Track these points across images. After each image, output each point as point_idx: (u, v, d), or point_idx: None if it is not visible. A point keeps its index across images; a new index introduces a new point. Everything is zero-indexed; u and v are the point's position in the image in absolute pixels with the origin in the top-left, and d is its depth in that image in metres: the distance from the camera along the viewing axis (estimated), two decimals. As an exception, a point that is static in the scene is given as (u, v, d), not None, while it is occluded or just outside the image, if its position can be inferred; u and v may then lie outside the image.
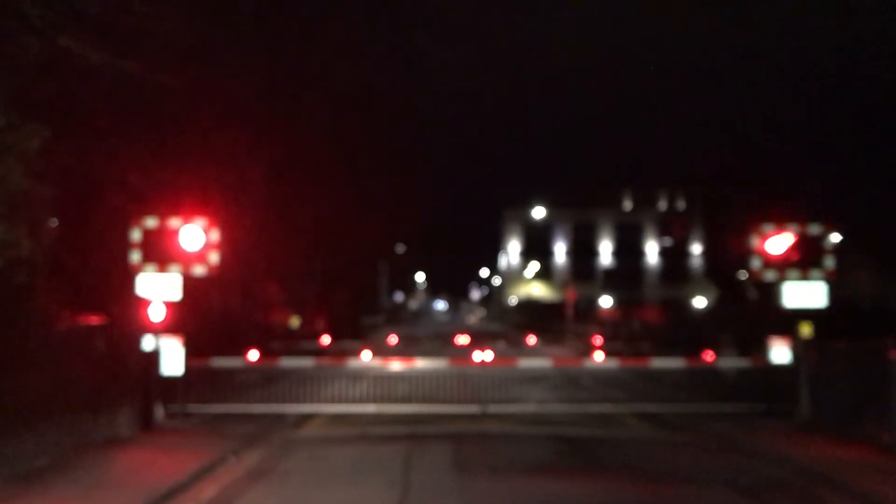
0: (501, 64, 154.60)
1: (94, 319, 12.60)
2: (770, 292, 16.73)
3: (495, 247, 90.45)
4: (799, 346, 15.73)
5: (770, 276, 15.77)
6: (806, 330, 15.60)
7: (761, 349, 16.68)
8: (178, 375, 15.40)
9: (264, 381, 18.31)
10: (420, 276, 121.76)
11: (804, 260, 15.58)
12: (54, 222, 11.69)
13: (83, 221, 15.34)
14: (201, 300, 18.98)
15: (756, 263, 15.78)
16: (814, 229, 15.70)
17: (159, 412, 14.97)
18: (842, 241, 15.90)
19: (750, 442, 13.37)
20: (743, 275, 31.39)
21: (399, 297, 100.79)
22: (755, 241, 15.72)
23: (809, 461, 11.59)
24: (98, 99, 13.41)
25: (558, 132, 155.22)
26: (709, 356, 18.96)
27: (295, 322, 31.17)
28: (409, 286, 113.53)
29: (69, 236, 12.32)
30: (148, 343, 14.68)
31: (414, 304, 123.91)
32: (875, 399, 12.71)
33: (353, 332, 41.02)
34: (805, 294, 15.65)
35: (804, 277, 15.63)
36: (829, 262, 15.69)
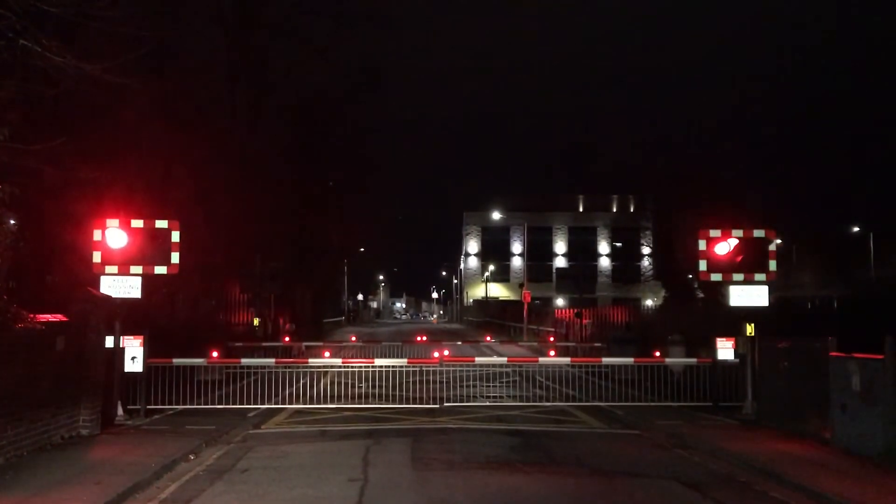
0: (467, 69, 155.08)
1: (55, 318, 12.59)
2: (716, 293, 17.35)
3: (455, 248, 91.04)
4: (743, 345, 16.35)
5: (716, 277, 16.37)
6: (749, 329, 16.22)
7: (708, 348, 17.28)
8: (139, 374, 15.49)
9: (225, 380, 18.45)
10: (380, 277, 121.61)
11: (748, 263, 16.21)
12: (12, 223, 11.66)
13: (44, 221, 15.31)
14: (163, 300, 19.00)
15: (703, 266, 16.37)
16: (757, 234, 16.36)
17: (120, 411, 15.04)
18: (785, 245, 16.56)
19: (697, 437, 13.84)
20: (692, 277, 32.23)
21: (360, 297, 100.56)
22: (702, 245, 16.32)
23: (754, 456, 12.06)
24: (60, 100, 13.44)
25: (516, 138, 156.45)
26: (658, 354, 19.57)
27: (257, 321, 31.17)
28: (370, 286, 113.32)
29: (30, 236, 12.30)
30: (109, 342, 14.75)
31: (375, 305, 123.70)
32: (815, 396, 13.26)
33: (315, 332, 41.06)
34: (749, 295, 16.28)
35: (748, 279, 16.27)
36: (772, 264, 16.35)
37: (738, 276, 16.25)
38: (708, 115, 79.01)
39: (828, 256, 41.48)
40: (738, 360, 16.54)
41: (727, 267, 16.25)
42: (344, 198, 42.09)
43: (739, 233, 16.27)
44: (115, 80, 12.30)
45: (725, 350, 16.62)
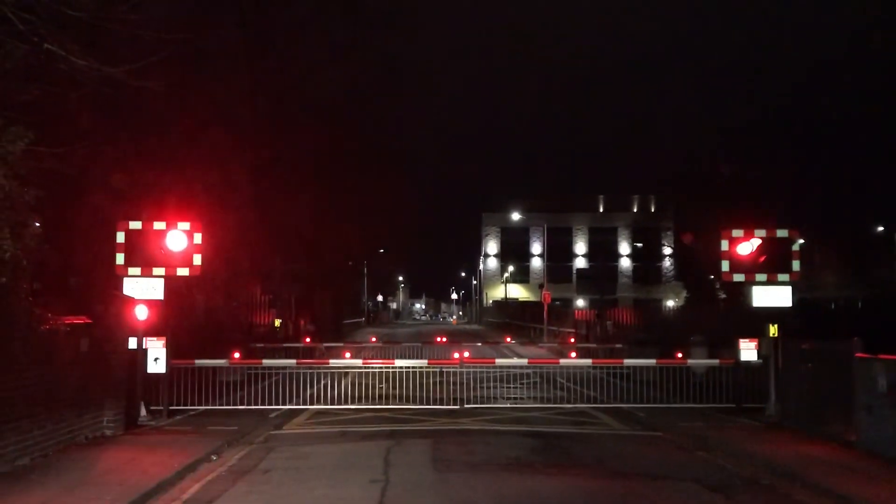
0: (486, 71, 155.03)
1: (78, 320, 12.73)
2: (738, 294, 17.20)
3: (474, 250, 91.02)
4: (767, 346, 16.19)
5: (739, 278, 16.24)
6: (773, 330, 16.06)
7: (730, 349, 17.14)
8: (161, 375, 15.61)
9: (247, 381, 18.54)
10: (400, 278, 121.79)
11: (771, 263, 16.07)
12: (37, 226, 11.81)
13: (68, 223, 15.48)
14: (185, 301, 19.14)
15: (726, 266, 16.24)
16: (780, 234, 16.21)
17: (143, 412, 15.16)
18: (808, 245, 16.43)
19: (719, 439, 13.74)
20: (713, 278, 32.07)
21: (379, 298, 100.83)
22: (725, 245, 16.20)
23: (778, 458, 11.95)
24: (82, 102, 13.58)
25: (537, 139, 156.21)
26: (680, 356, 19.43)
27: (278, 323, 31.33)
28: (390, 287, 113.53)
29: (54, 238, 12.45)
30: (132, 343, 14.88)
31: (394, 306, 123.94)
32: (840, 398, 13.11)
33: (335, 333, 41.20)
34: (772, 295, 16.13)
35: (771, 280, 16.13)
36: (795, 265, 16.20)
37: (761, 277, 16.11)
38: (729, 115, 78.65)
39: (850, 257, 41.09)
40: (760, 362, 16.39)
41: (750, 267, 16.11)
42: (364, 199, 42.15)
43: (762, 233, 16.13)
44: (138, 84, 12.41)
45: (748, 351, 16.47)
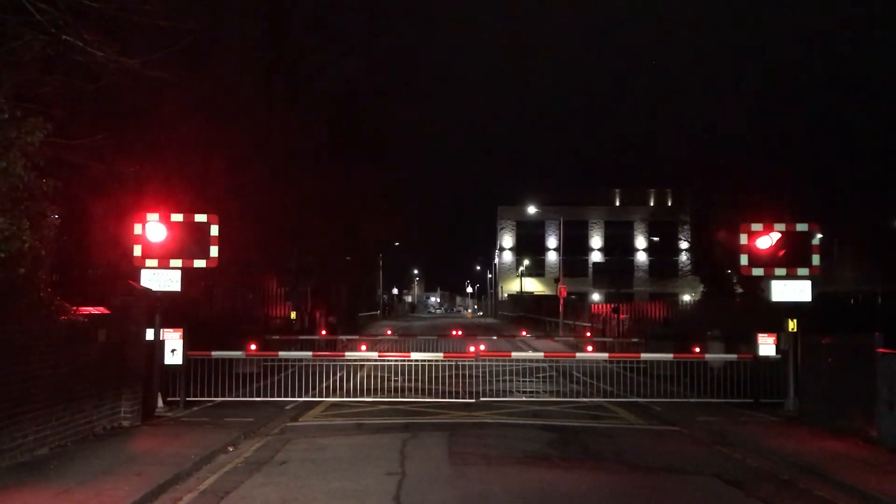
0: (503, 64, 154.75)
1: (97, 311, 12.77)
2: (756, 288, 17.05)
3: (489, 243, 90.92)
4: (786, 341, 16.05)
5: (758, 272, 16.09)
6: (792, 325, 15.92)
7: (748, 343, 17.01)
8: (178, 366, 15.67)
9: (263, 373, 18.60)
10: (415, 271, 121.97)
11: (791, 257, 15.91)
12: (56, 217, 11.82)
13: (86, 215, 15.53)
14: (202, 293, 19.20)
15: (745, 260, 16.10)
16: (800, 228, 16.04)
17: (160, 403, 15.23)
18: (826, 239, 16.24)
19: (738, 434, 13.63)
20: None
21: (395, 291, 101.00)
22: (744, 239, 16.05)
23: (797, 454, 11.84)
24: (101, 95, 13.60)
25: (554, 131, 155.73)
26: (697, 350, 19.31)
27: (294, 315, 31.41)
28: (405, 280, 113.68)
29: (72, 230, 12.48)
30: (149, 335, 14.94)
31: (409, 299, 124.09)
32: (861, 393, 12.97)
33: (351, 326, 41.26)
34: (791, 290, 15.98)
35: (790, 274, 15.97)
36: (815, 259, 16.03)
37: (781, 271, 15.95)
38: (746, 108, 78.04)
39: (868, 251, 40.65)
40: (779, 357, 16.26)
41: (769, 261, 15.96)
42: (379, 192, 42.15)
43: (782, 226, 15.97)
44: (154, 74, 12.40)
45: (767, 346, 16.34)
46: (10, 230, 10.36)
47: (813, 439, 13.06)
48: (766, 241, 15.86)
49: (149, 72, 12.55)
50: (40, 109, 11.09)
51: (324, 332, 29.79)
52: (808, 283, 16.05)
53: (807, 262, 15.97)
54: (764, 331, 16.39)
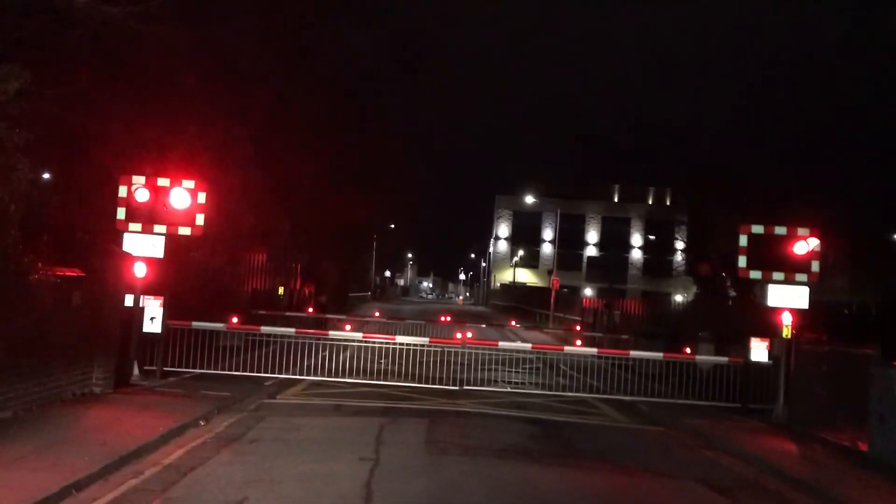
0: (505, 50, 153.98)
1: (71, 272, 12.30)
2: (749, 292, 16.73)
3: (485, 231, 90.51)
4: (779, 347, 15.73)
5: (756, 275, 15.76)
6: (786, 331, 15.60)
7: (738, 347, 16.70)
8: (157, 335, 15.27)
9: (245, 347, 18.21)
10: (409, 255, 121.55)
11: (789, 262, 15.59)
12: (29, 170, 11.26)
13: (67, 174, 15.06)
14: (185, 261, 18.75)
15: (742, 262, 15.76)
16: (801, 232, 15.71)
17: (136, 371, 14.84)
18: (821, 248, 15.91)
19: (724, 438, 13.33)
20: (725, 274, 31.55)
21: (387, 274, 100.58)
22: (743, 241, 15.72)
23: (785, 463, 11.57)
24: (83, 49, 13.08)
25: (555, 123, 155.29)
26: (688, 351, 18.99)
27: (281, 291, 30.99)
28: (398, 263, 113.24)
29: (51, 188, 12.01)
30: (128, 301, 14.52)
31: (402, 282, 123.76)
32: (852, 405, 12.67)
33: (340, 305, 40.84)
34: (788, 295, 15.66)
35: (788, 279, 15.64)
36: (814, 265, 15.71)
37: (779, 276, 15.61)
38: (744, 114, 77.64)
39: (864, 263, 40.39)
40: (771, 362, 15.94)
41: (767, 264, 15.62)
42: (377, 172, 41.66)
43: (782, 230, 15.63)
44: (137, 26, 11.89)
45: (759, 351, 16.02)
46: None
47: (801, 448, 12.78)
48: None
49: (134, 24, 11.98)
50: (18, 57, 10.59)
51: (311, 310, 29.40)
52: (806, 289, 15.73)
53: (806, 269, 15.64)
54: (755, 335, 16.07)
